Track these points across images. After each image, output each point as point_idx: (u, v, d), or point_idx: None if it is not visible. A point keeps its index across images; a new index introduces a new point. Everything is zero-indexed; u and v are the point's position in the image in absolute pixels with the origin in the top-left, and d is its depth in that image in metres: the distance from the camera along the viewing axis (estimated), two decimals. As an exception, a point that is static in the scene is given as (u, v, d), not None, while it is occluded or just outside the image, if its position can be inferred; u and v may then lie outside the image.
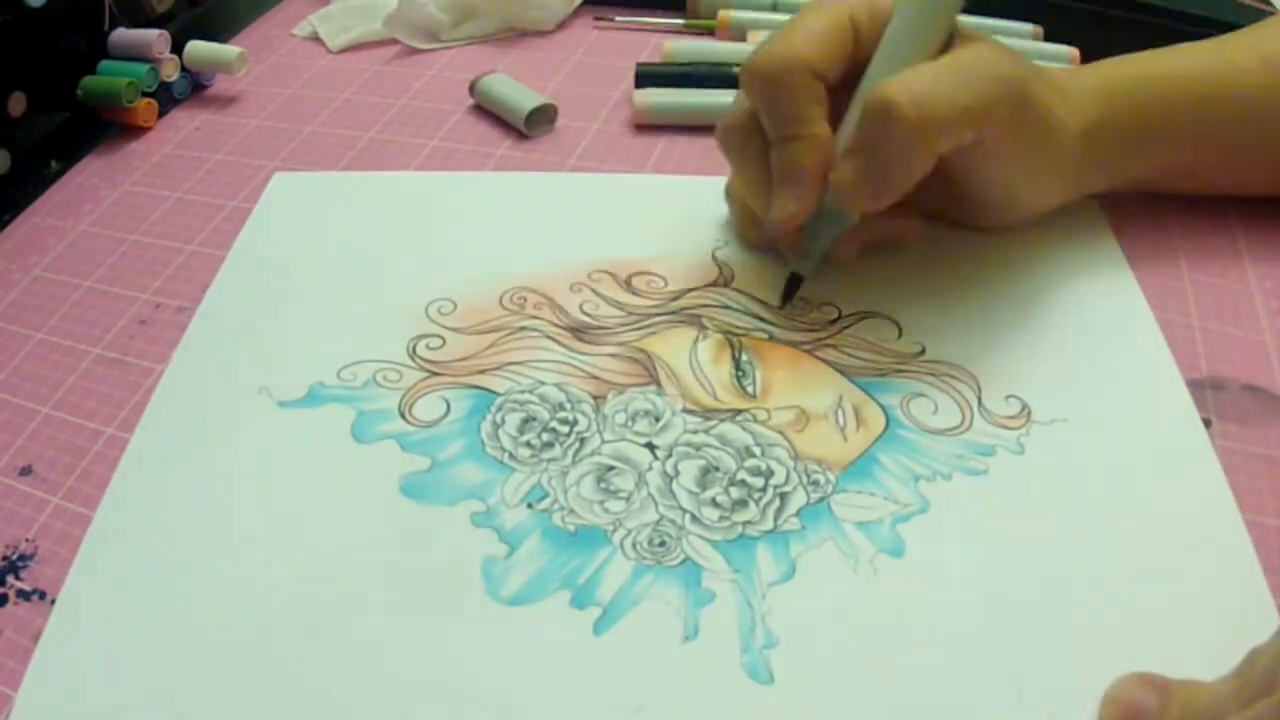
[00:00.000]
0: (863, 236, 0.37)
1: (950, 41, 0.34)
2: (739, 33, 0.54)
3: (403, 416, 0.34)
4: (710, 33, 0.55)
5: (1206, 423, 0.34)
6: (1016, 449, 0.33)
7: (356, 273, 0.40)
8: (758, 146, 0.36)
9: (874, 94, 0.32)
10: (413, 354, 0.36)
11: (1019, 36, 0.53)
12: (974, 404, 0.34)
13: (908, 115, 0.32)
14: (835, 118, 0.35)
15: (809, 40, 0.34)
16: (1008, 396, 0.34)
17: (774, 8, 0.54)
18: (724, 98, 0.46)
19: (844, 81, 0.35)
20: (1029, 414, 0.34)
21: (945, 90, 0.32)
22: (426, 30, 0.54)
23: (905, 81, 0.32)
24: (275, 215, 0.43)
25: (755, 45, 0.51)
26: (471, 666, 0.28)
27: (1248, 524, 0.31)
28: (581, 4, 0.57)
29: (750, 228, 0.40)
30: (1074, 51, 0.52)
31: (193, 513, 0.32)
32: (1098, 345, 0.36)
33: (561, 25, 0.57)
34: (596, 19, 0.57)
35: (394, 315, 0.37)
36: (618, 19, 0.57)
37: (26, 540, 0.31)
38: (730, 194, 0.41)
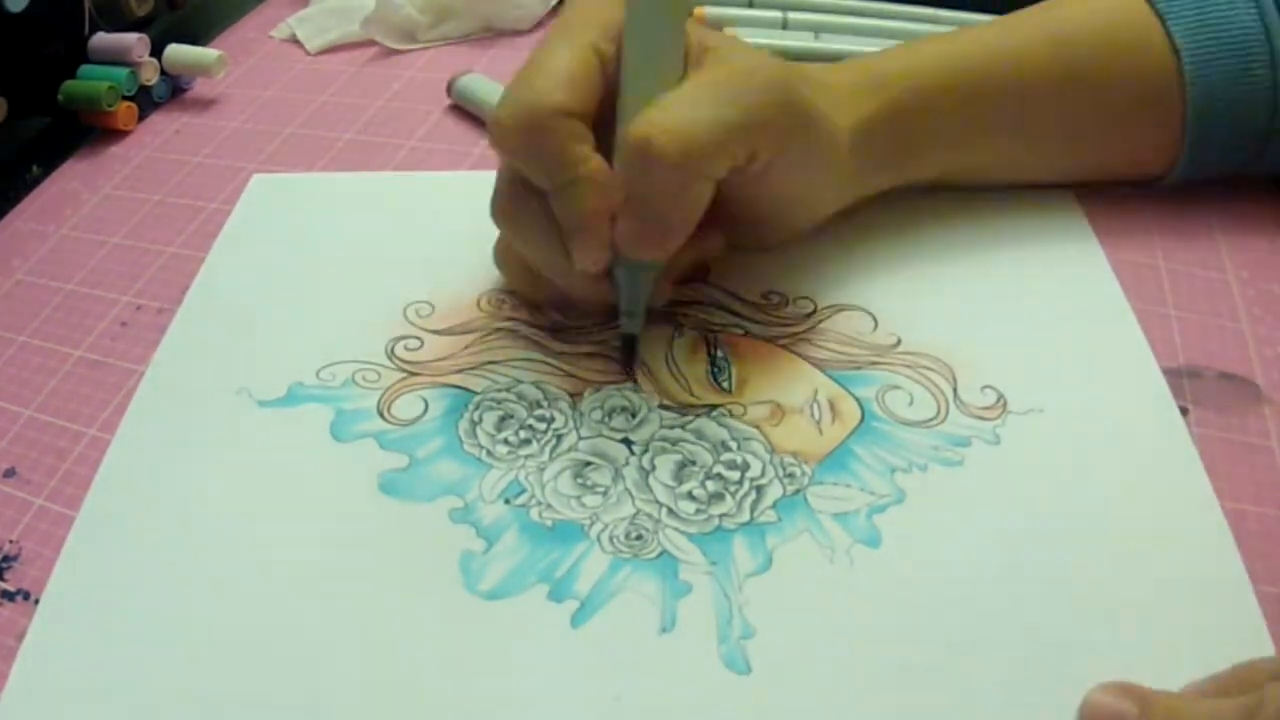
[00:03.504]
0: (671, 273, 0.35)
1: (698, 55, 0.32)
2: (715, 29, 0.54)
3: (381, 415, 0.34)
4: None
5: (1184, 411, 0.34)
6: (992, 440, 0.33)
7: (335, 274, 0.40)
8: (533, 206, 0.33)
9: (629, 135, 0.30)
10: (391, 355, 0.36)
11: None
12: (949, 395, 0.34)
13: (669, 152, 0.30)
14: (607, 147, 0.32)
15: (555, 81, 0.31)
16: (983, 387, 0.35)
17: (750, 4, 0.55)
18: None
19: (601, 120, 0.32)
20: (1005, 404, 0.34)
21: (706, 115, 0.30)
22: (404, 31, 0.55)
23: (655, 114, 0.30)
24: (254, 217, 0.44)
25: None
26: (451, 660, 0.28)
27: (1226, 511, 0.31)
28: (558, 3, 0.57)
29: (535, 288, 0.37)
30: None
31: (174, 512, 0.32)
32: (1073, 335, 0.36)
33: (539, 24, 0.57)
34: None
35: (373, 317, 0.38)
36: None
37: (10, 541, 0.32)
38: (502, 257, 0.37)
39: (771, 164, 0.33)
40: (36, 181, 0.47)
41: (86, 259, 0.43)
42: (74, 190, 0.47)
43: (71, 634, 0.29)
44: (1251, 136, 0.39)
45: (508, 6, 0.55)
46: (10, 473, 0.34)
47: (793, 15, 0.54)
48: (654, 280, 0.34)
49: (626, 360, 0.35)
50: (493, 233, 0.42)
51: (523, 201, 0.33)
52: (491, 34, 0.56)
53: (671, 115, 0.30)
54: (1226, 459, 0.33)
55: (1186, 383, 0.35)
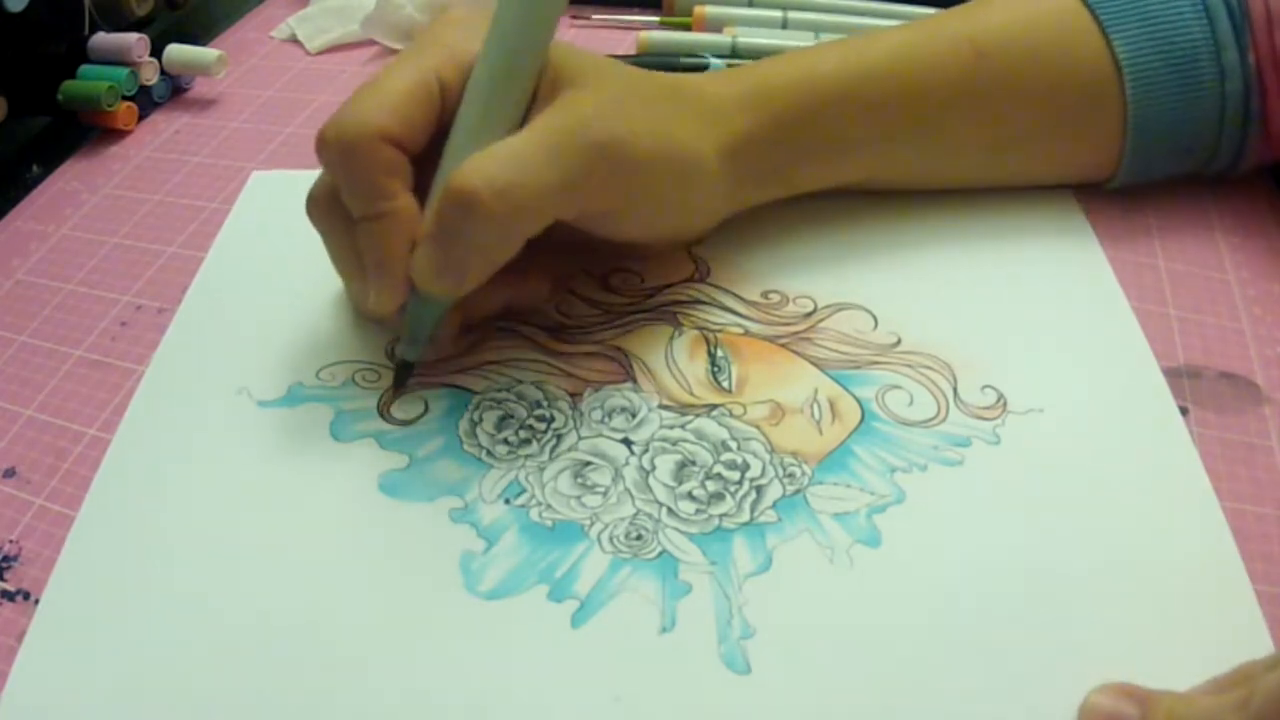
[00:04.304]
0: (473, 313, 0.35)
1: (552, 86, 0.31)
2: (715, 28, 0.54)
3: (381, 415, 0.34)
4: (687, 29, 0.55)
5: (1184, 411, 0.34)
6: (992, 439, 0.33)
7: (334, 274, 0.40)
8: (339, 220, 0.32)
9: (452, 182, 0.29)
10: (391, 355, 0.36)
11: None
12: (949, 395, 0.34)
13: (490, 207, 0.29)
14: (425, 188, 0.32)
15: (386, 105, 0.30)
16: (983, 387, 0.35)
17: (750, 4, 0.55)
18: None
19: (431, 147, 0.32)
20: (1005, 404, 0.34)
21: (532, 173, 0.29)
22: (404, 31, 0.55)
23: (486, 166, 0.29)
24: (253, 215, 0.44)
25: (728, 35, 0.52)
26: (451, 660, 0.28)
27: (1226, 511, 0.31)
28: None
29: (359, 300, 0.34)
30: None
31: (174, 512, 0.32)
32: (1074, 335, 0.36)
33: None
34: (574, 17, 0.57)
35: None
36: (595, 17, 0.57)
37: (10, 541, 0.32)
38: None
39: (609, 213, 0.32)
40: (37, 181, 0.47)
41: (87, 259, 0.43)
42: (74, 190, 0.47)
43: (72, 634, 0.29)
44: (1198, 147, 0.39)
45: None
46: (10, 473, 0.34)
47: (793, 15, 0.54)
48: (442, 311, 0.33)
49: (397, 383, 0.34)
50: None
51: (332, 210, 0.33)
52: None
53: (500, 168, 0.29)
54: (1226, 459, 0.33)
55: (1186, 383, 0.35)
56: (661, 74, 0.35)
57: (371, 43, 0.56)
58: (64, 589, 0.30)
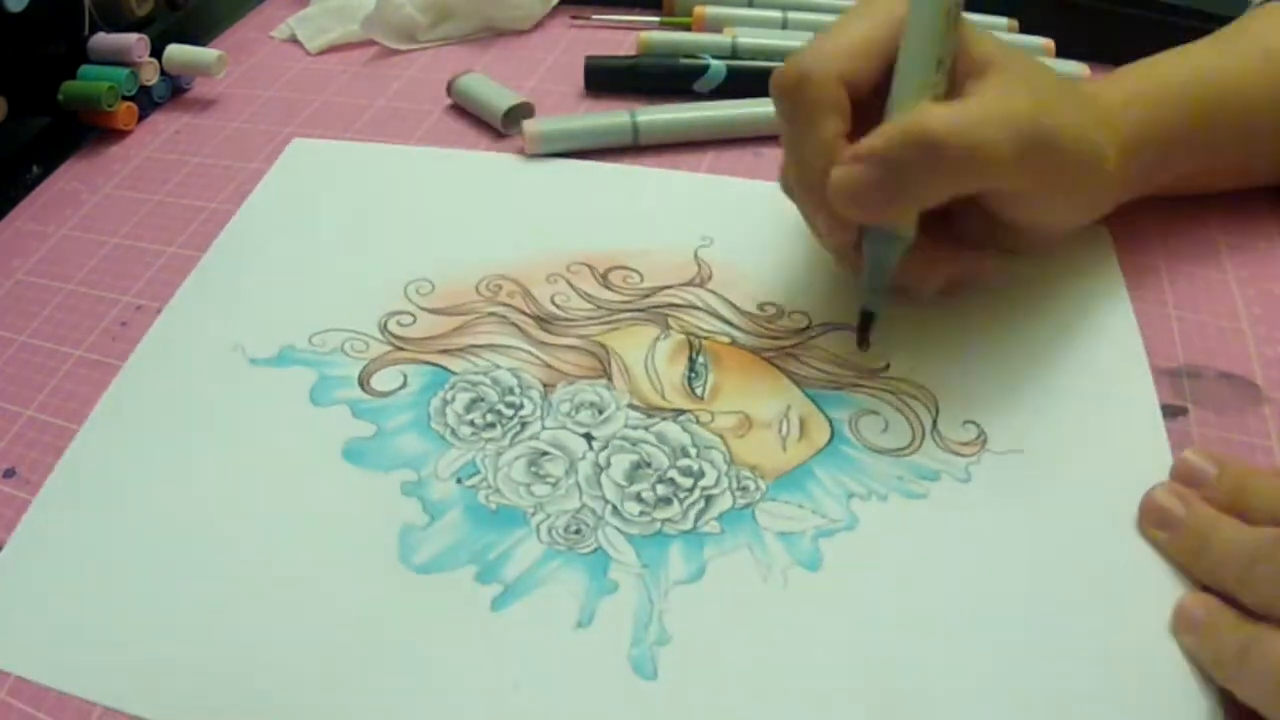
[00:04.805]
0: (948, 271, 0.36)
1: (981, 65, 0.32)
2: (715, 29, 0.53)
3: (361, 385, 0.35)
4: (687, 29, 0.55)
5: (1184, 411, 0.33)
6: (963, 476, 0.32)
7: (351, 243, 0.41)
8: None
9: (919, 125, 0.31)
10: (383, 328, 0.37)
11: (994, 30, 0.51)
12: (927, 426, 0.33)
13: (952, 154, 0.30)
14: (868, 123, 0.33)
15: (845, 50, 0.33)
16: (965, 421, 0.33)
17: (750, 4, 0.54)
18: (621, 118, 0.45)
19: (871, 98, 0.33)
20: (984, 441, 0.33)
21: (990, 135, 0.31)
22: (404, 31, 0.55)
23: (952, 118, 0.31)
24: (287, 179, 0.45)
25: (728, 36, 0.51)
26: (368, 624, 0.29)
27: None
28: (558, 3, 0.57)
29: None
30: (1049, 43, 0.51)
31: (158, 456, 0.34)
32: (1075, 379, 0.34)
33: (539, 24, 0.57)
34: (574, 17, 0.57)
35: (374, 289, 0.39)
36: (595, 17, 0.57)
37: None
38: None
39: (1023, 194, 0.33)
40: (37, 181, 0.47)
41: (87, 259, 0.43)
42: (74, 190, 0.47)
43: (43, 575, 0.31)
44: None
45: (507, 6, 0.55)
46: (10, 473, 0.34)
47: (793, 15, 0.53)
48: (898, 257, 0.33)
49: (860, 335, 0.35)
50: (505, 217, 0.43)
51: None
52: (491, 34, 0.56)
53: (964, 124, 0.31)
54: None
55: (1186, 383, 0.34)
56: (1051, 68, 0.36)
57: (371, 42, 0.55)
58: (48, 509, 0.32)
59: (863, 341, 0.35)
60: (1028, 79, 0.33)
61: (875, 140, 0.31)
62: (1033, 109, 0.32)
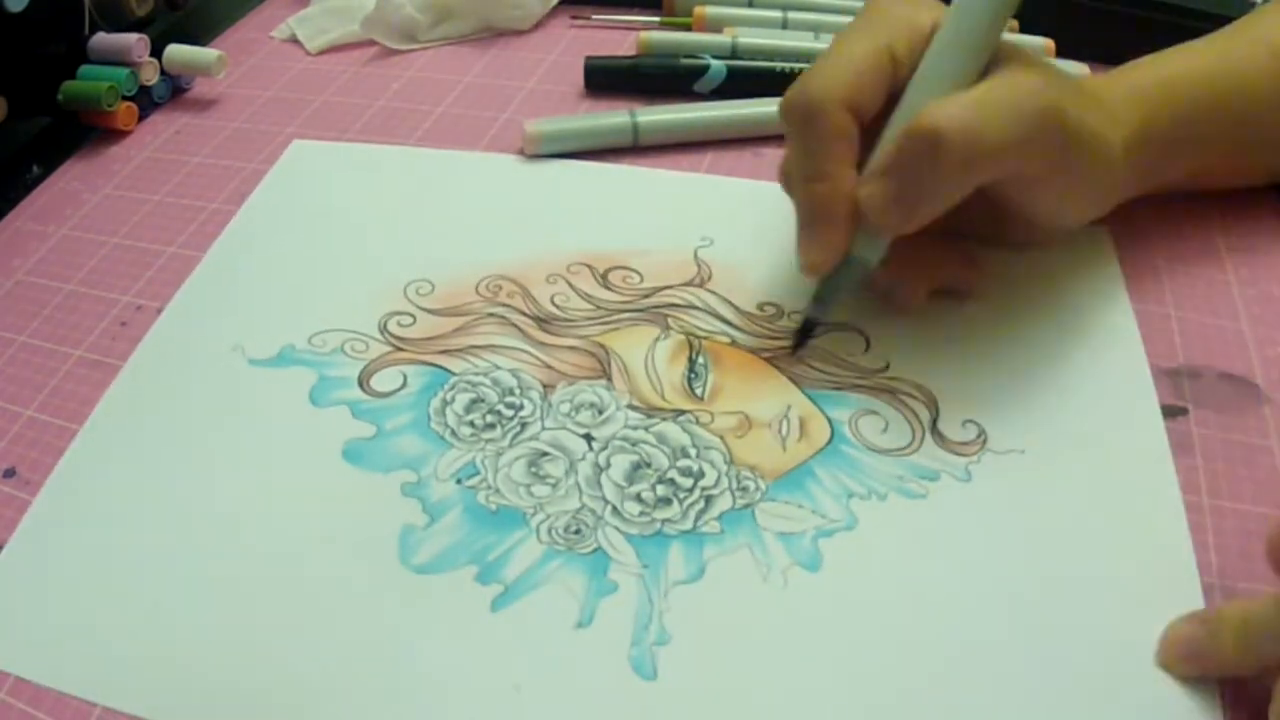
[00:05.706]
0: (932, 283, 0.36)
1: (991, 63, 0.33)
2: (715, 29, 0.53)
3: (360, 386, 0.35)
4: (687, 29, 0.54)
5: (1184, 410, 0.33)
6: (963, 476, 0.32)
7: (349, 242, 0.41)
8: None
9: (920, 121, 0.31)
10: (383, 329, 0.37)
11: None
12: (927, 426, 0.33)
13: (955, 146, 0.30)
14: (864, 157, 0.33)
15: (849, 72, 0.33)
16: (965, 421, 0.33)
17: (750, 4, 0.54)
18: (620, 118, 0.45)
19: (878, 118, 0.33)
20: (985, 441, 0.33)
21: (994, 122, 0.31)
22: (404, 31, 0.54)
23: (952, 111, 0.31)
24: (287, 180, 0.45)
25: (728, 36, 0.51)
26: (369, 624, 0.29)
27: (1225, 511, 0.30)
28: (558, 3, 0.57)
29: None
30: (1049, 43, 0.51)
31: (158, 456, 0.34)
32: (1075, 379, 0.34)
33: (538, 25, 0.56)
34: (574, 18, 0.57)
35: (374, 290, 0.39)
36: (595, 17, 0.56)
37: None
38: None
39: (1040, 180, 0.33)
40: (37, 181, 0.47)
41: (87, 259, 0.43)
42: (74, 190, 0.47)
43: (53, 551, 0.31)
44: None
45: (507, 6, 0.55)
46: (10, 473, 0.34)
47: (793, 15, 0.53)
48: (861, 276, 0.34)
49: (798, 340, 0.35)
50: (505, 217, 0.43)
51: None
52: (491, 34, 0.56)
53: (965, 114, 0.31)
54: (1226, 459, 0.32)
55: (1186, 383, 0.34)
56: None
57: (371, 43, 0.55)
58: (48, 509, 0.32)
59: (798, 346, 0.35)
60: (1032, 69, 0.33)
61: (886, 149, 0.32)
62: (1037, 91, 0.32)
